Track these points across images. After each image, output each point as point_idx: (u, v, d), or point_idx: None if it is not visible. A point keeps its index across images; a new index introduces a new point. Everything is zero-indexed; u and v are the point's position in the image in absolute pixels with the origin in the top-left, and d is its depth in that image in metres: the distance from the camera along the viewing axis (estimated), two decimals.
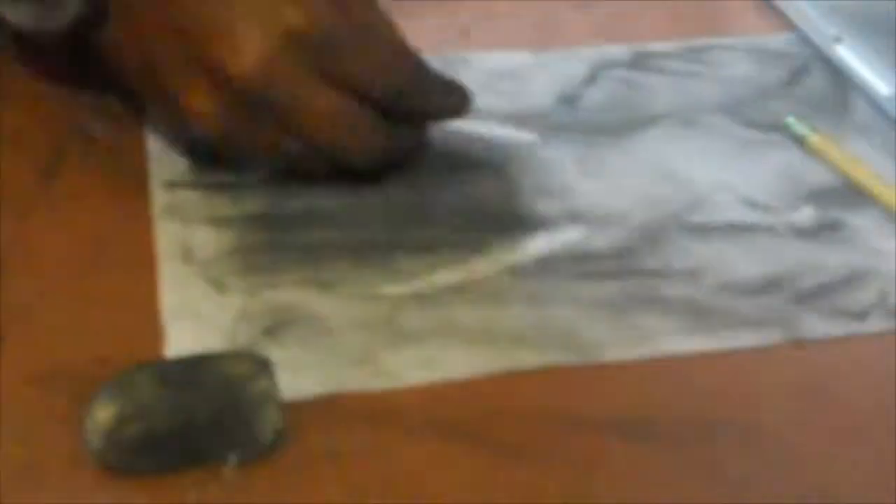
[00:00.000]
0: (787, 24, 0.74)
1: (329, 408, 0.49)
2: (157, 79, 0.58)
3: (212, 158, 0.60)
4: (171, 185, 0.61)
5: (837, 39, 0.70)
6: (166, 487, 0.46)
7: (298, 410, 0.49)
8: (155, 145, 0.63)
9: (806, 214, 0.60)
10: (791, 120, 0.65)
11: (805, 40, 0.72)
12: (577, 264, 0.57)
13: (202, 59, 0.57)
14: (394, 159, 0.60)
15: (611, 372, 0.52)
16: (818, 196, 0.61)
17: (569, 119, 0.66)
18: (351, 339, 0.53)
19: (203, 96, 0.57)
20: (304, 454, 0.47)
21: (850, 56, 0.69)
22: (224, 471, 0.46)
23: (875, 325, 0.54)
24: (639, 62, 0.71)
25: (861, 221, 0.60)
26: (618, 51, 0.72)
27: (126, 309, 0.53)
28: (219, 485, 0.46)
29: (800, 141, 0.64)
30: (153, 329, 0.52)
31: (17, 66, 0.65)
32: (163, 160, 0.62)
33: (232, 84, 0.56)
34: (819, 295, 0.56)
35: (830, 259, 0.58)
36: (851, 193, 0.62)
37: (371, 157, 0.59)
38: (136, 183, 0.60)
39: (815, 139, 0.64)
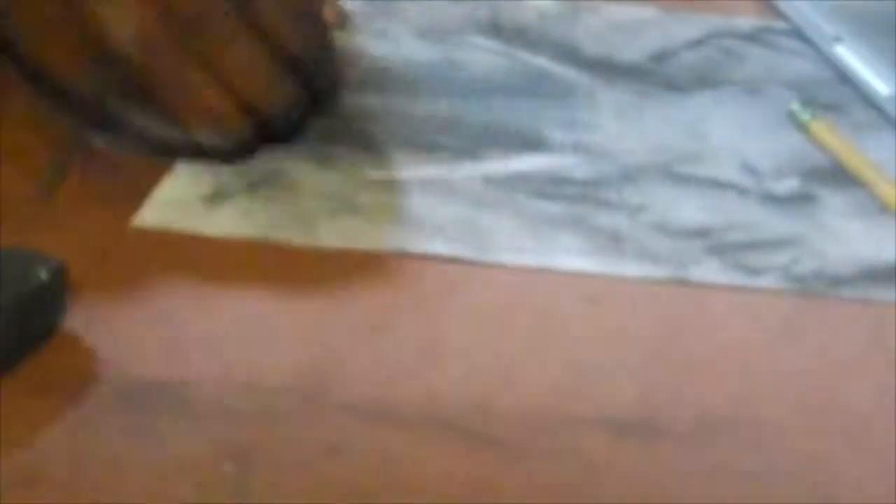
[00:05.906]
0: (787, 23, 0.74)
1: (325, 403, 0.51)
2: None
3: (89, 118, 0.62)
4: None
5: (837, 39, 0.70)
6: (165, 487, 0.48)
7: (299, 407, 0.51)
8: None
9: (786, 184, 0.62)
10: (795, 107, 0.66)
11: (805, 40, 0.73)
12: (542, 184, 0.62)
13: None
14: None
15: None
16: (811, 172, 0.63)
17: (646, 73, 0.71)
18: (307, 203, 0.61)
19: (132, 6, 0.59)
20: (303, 451, 0.49)
21: (850, 56, 0.69)
22: (224, 469, 0.48)
23: (765, 282, 0.57)
24: (757, 36, 0.74)
25: (836, 200, 0.61)
26: (744, 23, 0.75)
27: None
28: (218, 484, 0.48)
29: (802, 127, 0.66)
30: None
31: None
32: None
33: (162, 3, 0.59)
34: (734, 249, 0.58)
35: (774, 224, 0.60)
36: (844, 175, 0.63)
37: (282, 111, 0.62)
38: (136, 197, 0.61)
39: (815, 126, 0.65)
